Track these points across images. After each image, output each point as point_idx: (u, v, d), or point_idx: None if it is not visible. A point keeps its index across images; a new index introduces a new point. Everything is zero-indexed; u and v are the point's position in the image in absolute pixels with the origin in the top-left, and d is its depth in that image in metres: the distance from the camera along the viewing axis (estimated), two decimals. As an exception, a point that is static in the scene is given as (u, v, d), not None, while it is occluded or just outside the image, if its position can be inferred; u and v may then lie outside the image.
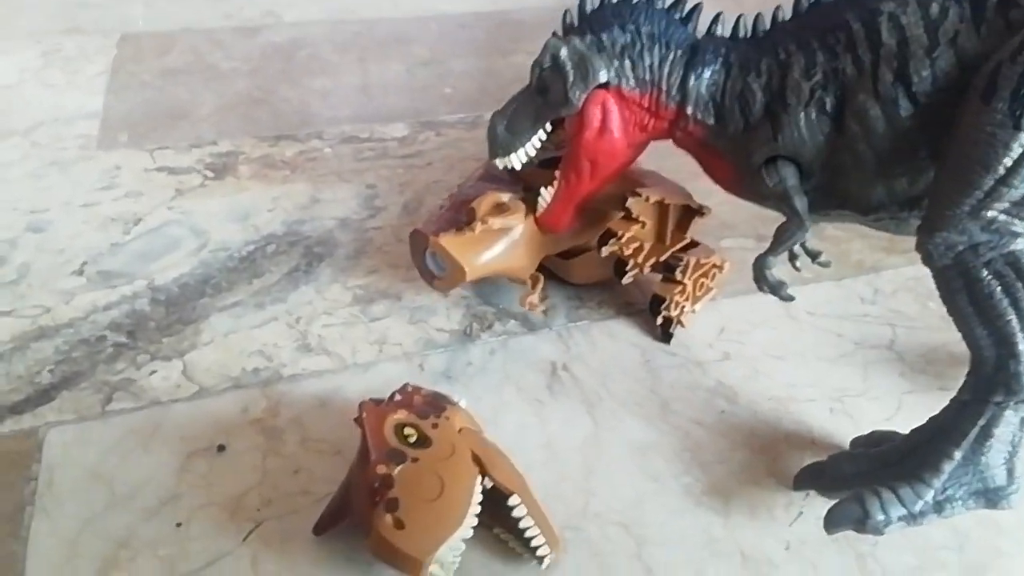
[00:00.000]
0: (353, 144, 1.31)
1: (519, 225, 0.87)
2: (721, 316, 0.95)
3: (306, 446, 0.75)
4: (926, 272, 0.63)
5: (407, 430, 0.65)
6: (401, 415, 0.66)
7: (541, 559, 0.64)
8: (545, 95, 0.80)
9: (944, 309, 0.62)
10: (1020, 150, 0.54)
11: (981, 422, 0.60)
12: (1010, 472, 0.60)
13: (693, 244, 0.93)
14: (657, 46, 0.75)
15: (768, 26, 0.72)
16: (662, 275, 0.91)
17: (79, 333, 0.88)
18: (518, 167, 0.86)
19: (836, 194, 0.70)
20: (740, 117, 0.72)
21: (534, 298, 0.90)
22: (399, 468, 0.62)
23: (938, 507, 0.61)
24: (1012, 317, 0.57)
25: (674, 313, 0.90)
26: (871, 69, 0.64)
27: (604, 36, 0.77)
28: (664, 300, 0.90)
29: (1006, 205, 0.56)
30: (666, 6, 0.77)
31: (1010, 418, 0.60)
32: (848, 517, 0.62)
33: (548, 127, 0.83)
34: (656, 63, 0.75)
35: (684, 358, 0.89)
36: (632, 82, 0.76)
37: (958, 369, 0.85)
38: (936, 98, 0.61)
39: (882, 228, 0.71)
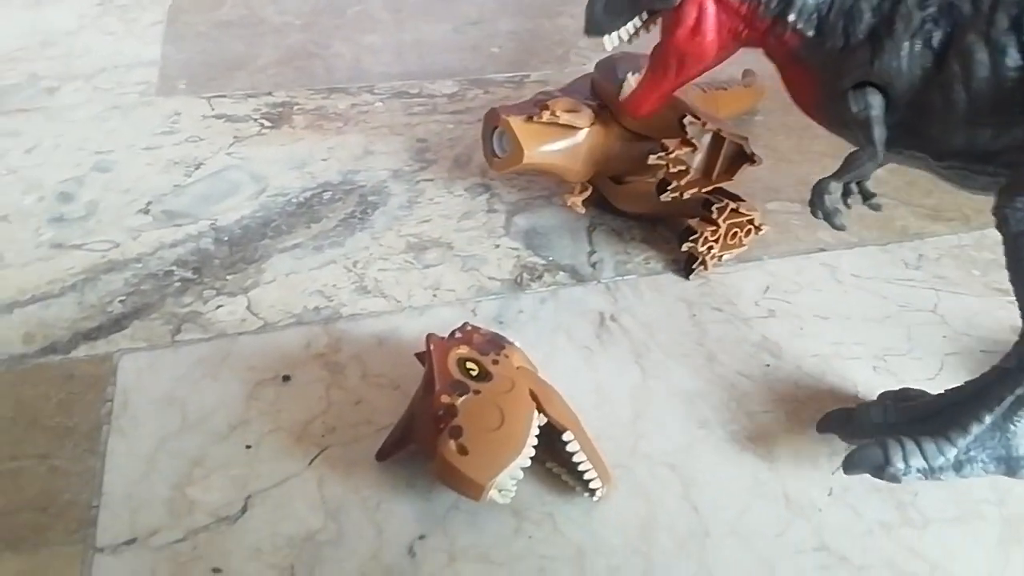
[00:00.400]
0: (403, 99, 1.33)
1: (584, 129, 0.94)
2: (767, 275, 0.96)
3: (367, 380, 0.78)
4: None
5: (469, 364, 0.68)
6: (463, 350, 0.69)
7: (593, 492, 0.67)
8: None
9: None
10: None
11: (1020, 391, 0.61)
12: None
13: (738, 198, 0.95)
14: None
15: None
16: (699, 212, 0.94)
17: (147, 268, 0.92)
18: (608, 49, 0.85)
19: (917, 134, 0.67)
20: (842, 34, 0.68)
21: (576, 199, 0.97)
22: (462, 399, 0.64)
23: (958, 465, 0.62)
24: None
25: (701, 249, 0.93)
26: (988, 11, 0.60)
27: None
28: (695, 232, 0.92)
29: None
30: None
31: None
32: (869, 461, 0.64)
33: (644, 15, 0.82)
34: None
35: (730, 314, 0.91)
36: None
37: (1001, 335, 0.87)
38: None
39: (949, 179, 0.70)
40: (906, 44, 0.64)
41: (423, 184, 1.11)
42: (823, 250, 1.00)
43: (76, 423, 0.73)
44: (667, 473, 0.72)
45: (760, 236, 0.96)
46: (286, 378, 0.78)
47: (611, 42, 0.84)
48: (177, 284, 0.89)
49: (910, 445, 0.63)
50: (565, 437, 0.67)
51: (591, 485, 0.67)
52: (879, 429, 0.68)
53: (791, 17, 0.71)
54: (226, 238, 0.97)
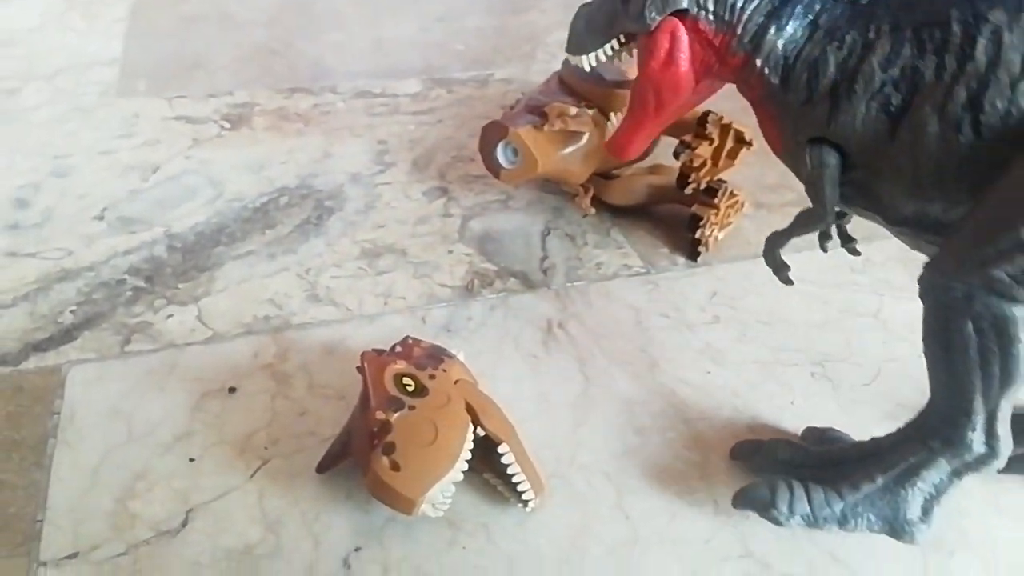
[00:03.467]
0: (366, 99, 1.33)
1: (586, 133, 0.97)
2: (716, 280, 0.98)
3: (312, 391, 0.80)
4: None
5: (406, 380, 0.69)
6: (401, 365, 0.70)
7: (526, 503, 0.69)
8: (626, 4, 0.76)
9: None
10: None
11: (913, 460, 0.62)
12: (926, 512, 0.62)
13: (723, 180, 1.03)
14: None
15: None
16: (700, 198, 1.01)
17: (100, 276, 0.93)
18: (586, 68, 0.85)
19: (871, 195, 0.66)
20: (804, 87, 0.65)
21: (586, 202, 1.03)
22: (397, 415, 0.66)
23: (843, 519, 0.63)
24: (977, 378, 0.57)
25: (708, 233, 1.00)
26: (948, 82, 0.57)
27: None
28: (702, 219, 0.99)
29: (1016, 271, 0.53)
30: None
31: (941, 466, 0.61)
32: (756, 500, 0.66)
33: (622, 38, 0.80)
34: (740, 3, 0.68)
35: (676, 320, 0.92)
36: (710, 16, 0.70)
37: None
38: (1000, 136, 0.56)
39: (903, 240, 0.68)
40: (863, 106, 0.61)
41: (381, 188, 1.12)
42: (771, 254, 1.02)
43: (23, 436, 0.74)
44: (602, 481, 0.74)
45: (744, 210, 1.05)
46: (232, 389, 0.79)
47: (588, 63, 0.84)
48: (129, 293, 0.90)
49: (799, 491, 0.64)
50: (500, 449, 0.68)
51: (524, 496, 0.68)
52: (783, 467, 0.69)
53: (758, 61, 0.68)
54: (179, 245, 0.98)
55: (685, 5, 0.70)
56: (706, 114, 0.98)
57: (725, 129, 1.00)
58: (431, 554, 0.66)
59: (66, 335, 0.85)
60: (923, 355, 0.61)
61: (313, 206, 1.07)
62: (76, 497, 0.69)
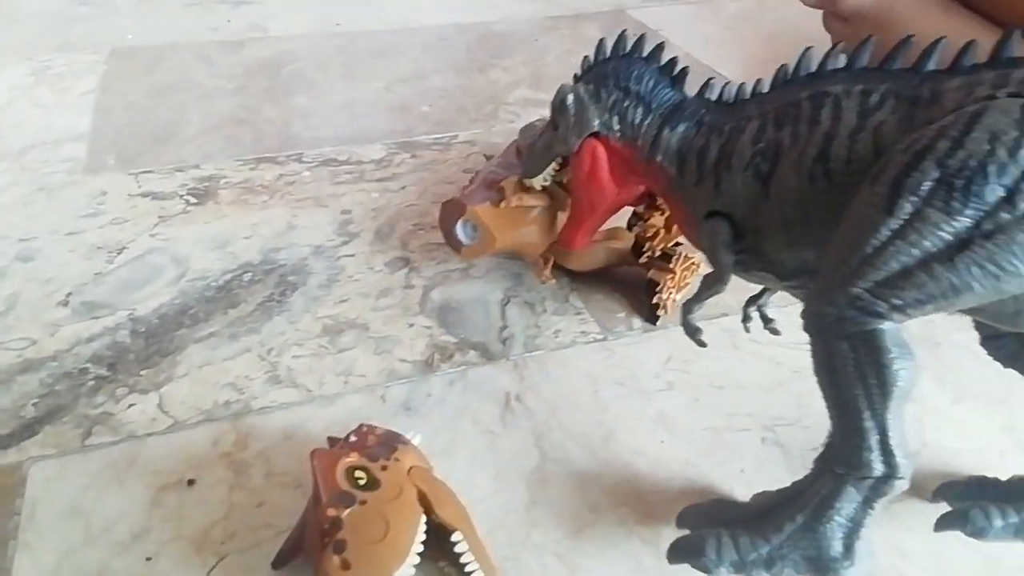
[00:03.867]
0: (331, 167, 1.36)
1: (540, 206, 1.00)
2: (670, 344, 1.00)
3: (270, 479, 0.81)
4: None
5: (358, 473, 0.70)
6: (353, 458, 0.72)
7: (479, 591, 0.70)
8: (556, 131, 0.91)
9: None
10: (887, 233, 0.57)
11: (824, 491, 0.63)
12: (847, 547, 0.63)
13: (679, 243, 1.06)
14: (642, 106, 0.83)
15: (748, 94, 0.76)
16: (655, 264, 1.05)
17: (63, 366, 0.94)
18: (538, 187, 0.98)
19: (761, 257, 0.73)
20: (695, 171, 0.76)
21: (547, 272, 1.05)
22: (348, 511, 0.67)
23: (769, 562, 0.65)
24: (861, 394, 0.60)
25: (665, 297, 1.03)
26: (802, 144, 0.66)
27: (603, 90, 0.85)
28: (658, 284, 1.03)
29: (870, 284, 0.58)
30: (659, 68, 0.84)
31: (852, 494, 0.63)
32: (686, 551, 0.68)
33: (560, 160, 0.94)
34: (638, 120, 0.83)
35: (631, 387, 0.94)
36: (617, 134, 0.85)
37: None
38: (848, 181, 0.63)
39: (796, 296, 0.74)
40: (739, 176, 0.71)
41: (344, 260, 1.14)
42: (725, 315, 1.04)
43: (-17, 538, 0.75)
44: (554, 562, 0.75)
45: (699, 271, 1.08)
46: (191, 482, 0.80)
47: (539, 182, 0.97)
48: (91, 383, 0.92)
49: (725, 539, 0.66)
50: (454, 538, 0.70)
51: (476, 584, 0.70)
52: (722, 523, 0.70)
53: (659, 158, 0.80)
54: (143, 329, 1.00)
55: (597, 128, 0.85)
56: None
57: None
58: (385, 648, 0.67)
59: (27, 429, 0.86)
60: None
61: (276, 282, 1.09)
62: (34, 601, 0.70)
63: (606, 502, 0.81)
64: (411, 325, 1.03)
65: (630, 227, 1.04)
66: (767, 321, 0.86)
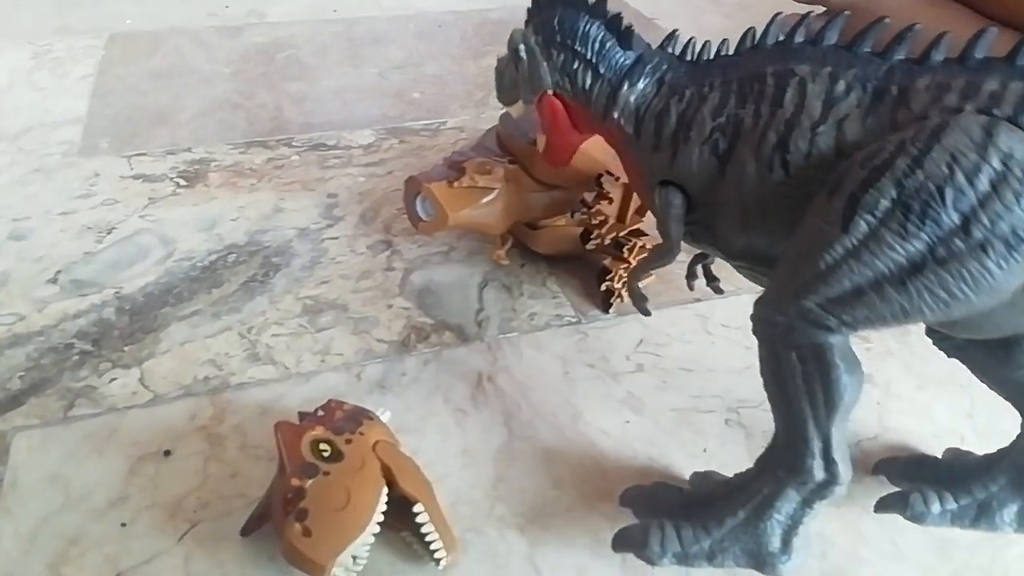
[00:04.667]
0: (320, 151, 1.38)
1: (498, 188, 1.01)
2: (643, 328, 1.02)
3: (245, 452, 0.84)
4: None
5: (322, 445, 0.73)
6: (318, 431, 0.74)
7: (438, 561, 0.73)
8: (517, 72, 0.88)
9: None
10: (841, 251, 0.56)
11: (765, 491, 0.65)
12: (785, 544, 0.65)
13: (643, 233, 1.06)
14: (591, 70, 0.79)
15: (711, 55, 0.74)
16: (609, 252, 1.06)
17: (49, 341, 0.97)
18: (515, 116, 0.96)
19: (710, 232, 0.73)
20: (653, 136, 0.74)
21: (501, 252, 1.07)
22: (311, 481, 0.70)
23: (711, 555, 0.67)
24: (806, 405, 0.61)
25: (616, 285, 1.04)
26: (762, 127, 0.65)
27: (552, 49, 0.82)
28: (610, 272, 1.04)
29: (822, 300, 0.58)
30: (605, 24, 0.79)
31: (791, 495, 0.64)
32: (630, 542, 0.69)
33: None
34: (588, 85, 0.80)
35: (601, 370, 0.96)
36: (571, 95, 0.82)
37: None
38: (806, 175, 0.62)
39: (744, 274, 0.75)
40: (696, 150, 0.69)
41: (327, 243, 1.16)
42: (699, 300, 1.06)
43: (-33, 504, 0.78)
44: (515, 536, 0.77)
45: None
46: (167, 452, 0.83)
47: (516, 111, 0.94)
48: (76, 357, 0.94)
49: (669, 531, 0.68)
50: (415, 508, 0.72)
51: (436, 555, 0.72)
52: (662, 510, 0.73)
53: (616, 114, 0.77)
54: (128, 307, 1.02)
55: (550, 86, 0.83)
56: (601, 175, 1.03)
57: (627, 189, 1.04)
58: (345, 613, 0.70)
59: (13, 401, 0.89)
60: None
61: (260, 263, 1.11)
62: (12, 564, 0.73)
63: (570, 479, 0.83)
64: (390, 306, 1.05)
65: (573, 214, 1.06)
66: (711, 279, 0.86)
